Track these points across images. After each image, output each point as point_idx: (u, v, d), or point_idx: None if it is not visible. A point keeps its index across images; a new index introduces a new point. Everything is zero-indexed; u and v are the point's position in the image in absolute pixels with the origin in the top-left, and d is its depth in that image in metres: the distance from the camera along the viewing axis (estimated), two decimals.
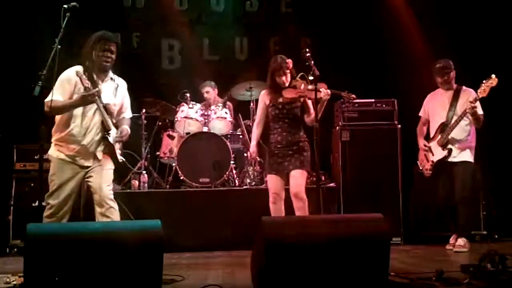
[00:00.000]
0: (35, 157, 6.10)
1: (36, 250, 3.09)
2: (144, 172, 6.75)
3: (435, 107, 6.02)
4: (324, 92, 4.87)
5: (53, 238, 3.18)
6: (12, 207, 6.25)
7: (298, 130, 5.18)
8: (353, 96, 4.99)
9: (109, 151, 4.52)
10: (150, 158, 7.12)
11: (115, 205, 4.48)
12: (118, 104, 4.64)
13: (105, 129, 4.45)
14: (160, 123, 7.23)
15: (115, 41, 4.54)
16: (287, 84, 5.12)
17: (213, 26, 8.44)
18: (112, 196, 4.49)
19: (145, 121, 7.06)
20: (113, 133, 4.50)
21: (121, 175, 6.81)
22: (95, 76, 4.47)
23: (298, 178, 5.04)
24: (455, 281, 3.57)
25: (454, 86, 5.95)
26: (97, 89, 4.37)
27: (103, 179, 4.47)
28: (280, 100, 5.15)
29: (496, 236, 6.55)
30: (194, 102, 7.00)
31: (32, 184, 6.21)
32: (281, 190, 5.15)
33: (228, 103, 7.20)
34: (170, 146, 6.99)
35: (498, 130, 7.15)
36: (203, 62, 8.37)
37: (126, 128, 4.64)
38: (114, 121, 4.56)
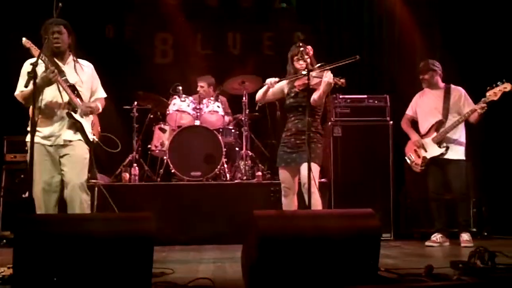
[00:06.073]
0: (26, 148, 6.05)
1: (25, 242, 3.08)
2: (135, 165, 6.73)
3: (426, 105, 6.05)
4: (327, 76, 4.84)
5: (43, 229, 3.17)
6: (1, 199, 6.24)
7: (312, 119, 4.95)
8: (343, 80, 4.89)
9: (78, 129, 4.54)
10: (141, 151, 7.10)
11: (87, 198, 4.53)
12: (85, 83, 4.66)
13: (72, 109, 4.49)
14: (151, 116, 7.18)
15: (61, 23, 4.53)
16: (304, 72, 4.92)
17: (207, 21, 8.43)
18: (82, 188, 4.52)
19: (136, 114, 7.02)
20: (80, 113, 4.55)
21: (112, 167, 6.82)
22: (56, 60, 4.52)
23: (306, 171, 4.81)
24: (444, 277, 3.58)
25: (442, 85, 6.03)
26: (54, 69, 4.39)
27: (75, 171, 4.50)
28: (294, 89, 5.08)
29: (486, 233, 6.58)
30: (186, 95, 6.97)
31: (22, 176, 6.18)
32: (292, 183, 5.07)
33: (221, 97, 7.18)
34: (161, 139, 6.95)
35: (490, 127, 7.17)
36: (196, 56, 8.36)
37: (95, 103, 4.70)
38: (85, 100, 4.59)
